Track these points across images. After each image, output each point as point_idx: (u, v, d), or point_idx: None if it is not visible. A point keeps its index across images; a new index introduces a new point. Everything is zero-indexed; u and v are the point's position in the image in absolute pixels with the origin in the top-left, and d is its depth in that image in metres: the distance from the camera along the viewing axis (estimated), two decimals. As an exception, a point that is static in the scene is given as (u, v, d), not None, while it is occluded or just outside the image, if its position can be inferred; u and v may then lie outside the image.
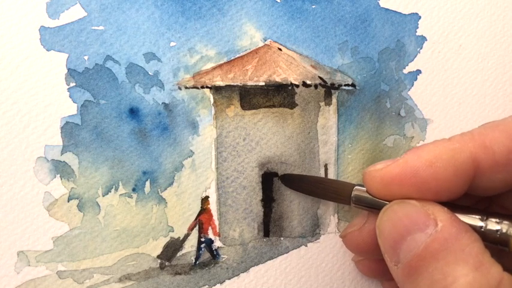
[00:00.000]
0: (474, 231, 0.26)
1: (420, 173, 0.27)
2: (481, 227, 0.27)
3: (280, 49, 0.35)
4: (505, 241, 0.27)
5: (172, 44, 0.33)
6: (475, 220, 0.27)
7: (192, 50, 0.33)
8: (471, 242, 0.25)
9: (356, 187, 0.31)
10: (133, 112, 0.33)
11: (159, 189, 0.33)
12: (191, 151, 0.34)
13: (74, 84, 0.31)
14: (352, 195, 0.31)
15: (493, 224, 0.27)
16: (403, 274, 0.26)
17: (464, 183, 0.28)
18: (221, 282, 0.35)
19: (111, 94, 0.32)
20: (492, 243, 0.27)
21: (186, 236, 0.34)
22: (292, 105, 0.35)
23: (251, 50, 0.35)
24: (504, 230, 0.27)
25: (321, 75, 0.35)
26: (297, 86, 0.35)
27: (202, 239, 0.34)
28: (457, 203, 0.28)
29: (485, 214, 0.28)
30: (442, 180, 0.27)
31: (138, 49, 0.32)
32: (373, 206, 0.30)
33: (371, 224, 0.31)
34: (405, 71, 0.38)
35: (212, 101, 0.34)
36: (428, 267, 0.25)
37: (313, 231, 0.36)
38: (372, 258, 0.35)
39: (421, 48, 0.38)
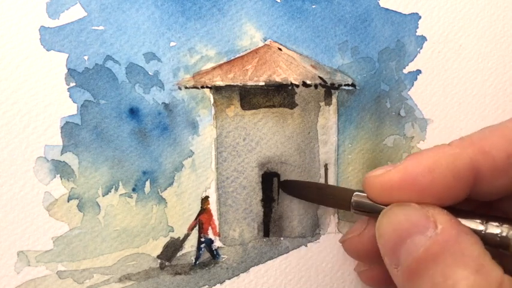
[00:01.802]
0: (474, 234, 0.26)
1: (420, 179, 0.27)
2: (482, 230, 0.27)
3: (280, 49, 0.35)
4: (506, 244, 0.27)
5: (172, 44, 0.33)
6: (475, 224, 0.27)
7: (192, 50, 0.33)
8: (471, 244, 0.25)
9: (356, 193, 0.31)
10: (134, 112, 0.33)
11: (159, 189, 0.33)
12: (191, 151, 0.34)
13: (74, 84, 0.31)
14: (352, 200, 0.31)
15: (493, 228, 0.27)
16: (403, 277, 0.26)
17: (464, 188, 0.28)
18: (221, 282, 0.35)
19: (111, 94, 0.32)
20: (493, 246, 0.27)
21: (186, 236, 0.34)
22: (292, 105, 0.35)
23: (251, 50, 0.35)
24: (504, 234, 0.27)
25: (321, 75, 0.35)
26: (297, 86, 0.35)
27: (202, 239, 0.34)
28: (457, 207, 0.28)
29: (486, 218, 0.28)
30: (442, 186, 0.27)
31: (138, 49, 0.32)
32: (373, 212, 0.30)
33: (371, 230, 0.31)
34: (405, 71, 0.38)
35: (212, 101, 0.34)
36: (429, 270, 0.25)
37: (313, 231, 0.36)
38: (373, 268, 0.34)
39: (421, 48, 0.38)
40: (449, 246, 0.25)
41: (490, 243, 0.27)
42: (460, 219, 0.27)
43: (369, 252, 0.31)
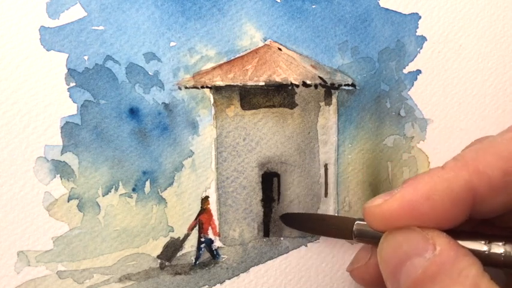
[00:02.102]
0: (473, 255, 0.26)
1: (418, 207, 0.27)
2: (485, 251, 0.27)
3: (280, 49, 0.35)
4: (511, 263, 0.27)
5: (172, 44, 0.33)
6: (479, 245, 0.27)
7: (192, 50, 0.33)
8: (468, 265, 0.25)
9: (357, 222, 0.31)
10: (134, 112, 0.33)
11: (159, 189, 0.33)
12: (191, 151, 0.34)
13: (74, 84, 0.31)
14: (353, 229, 0.31)
15: (497, 247, 0.27)
16: None
17: (463, 211, 0.28)
18: (221, 282, 0.35)
19: (111, 94, 0.32)
20: (498, 266, 0.27)
21: (186, 236, 0.34)
22: (292, 105, 0.35)
23: (251, 50, 0.35)
24: (508, 253, 0.27)
25: (321, 75, 0.35)
26: (297, 86, 0.35)
27: (202, 239, 0.34)
28: (458, 229, 0.28)
29: (489, 238, 0.27)
30: (441, 211, 0.27)
31: (138, 49, 0.32)
32: (375, 239, 0.30)
33: (376, 258, 0.31)
34: (405, 71, 0.38)
35: (212, 101, 0.34)
36: None
37: (313, 231, 0.36)
38: None
39: (421, 48, 0.38)
40: (446, 267, 0.25)
41: (495, 263, 0.27)
42: (462, 241, 0.27)
43: (377, 280, 0.31)
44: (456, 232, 0.28)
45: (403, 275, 0.26)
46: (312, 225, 0.35)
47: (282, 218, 0.35)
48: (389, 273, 0.27)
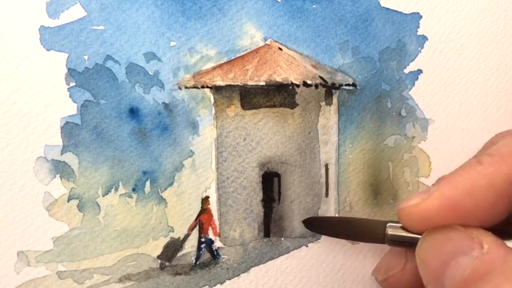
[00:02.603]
0: None
1: (460, 204, 0.26)
2: None
3: (280, 49, 0.35)
4: None
5: (172, 43, 0.33)
6: None
7: (192, 49, 0.33)
8: None
9: (389, 224, 0.30)
10: (133, 112, 0.32)
11: (159, 189, 0.33)
12: (191, 151, 0.34)
13: (74, 84, 0.31)
14: (386, 233, 0.30)
15: None
16: None
17: (505, 207, 0.27)
18: (221, 283, 0.34)
19: (111, 94, 0.32)
20: None
21: (186, 236, 0.34)
22: (292, 105, 0.35)
23: (251, 49, 0.34)
24: None
25: (321, 75, 0.35)
26: (298, 85, 0.35)
27: (203, 239, 0.34)
28: (499, 229, 0.27)
29: None
30: (484, 208, 0.26)
31: (138, 49, 0.32)
32: (411, 242, 0.29)
33: (413, 263, 0.30)
34: (406, 70, 0.38)
35: (212, 100, 0.34)
36: None
37: (314, 231, 0.36)
38: None
39: (422, 47, 0.38)
40: (498, 264, 0.24)
41: None
42: (506, 240, 0.26)
43: (415, 287, 0.30)
44: (496, 231, 0.27)
45: (448, 277, 0.25)
46: (339, 230, 0.33)
47: (305, 222, 0.34)
48: (432, 276, 0.26)
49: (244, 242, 0.35)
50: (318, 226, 0.35)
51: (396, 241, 0.30)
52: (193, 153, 0.34)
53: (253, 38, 0.34)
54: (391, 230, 0.30)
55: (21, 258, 0.31)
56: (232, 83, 0.34)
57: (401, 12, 0.37)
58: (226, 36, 0.34)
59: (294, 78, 0.35)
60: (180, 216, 0.34)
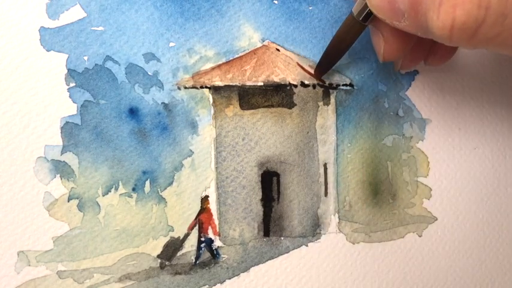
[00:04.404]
0: None
1: None
2: None
3: (278, 50, 0.35)
4: None
5: (171, 44, 0.33)
6: None
7: (191, 50, 0.34)
8: None
9: (353, 9, 0.31)
10: (133, 112, 0.33)
11: (158, 189, 0.33)
12: (191, 151, 0.34)
13: (73, 84, 0.32)
14: (354, 14, 0.31)
15: None
16: (412, 17, 0.27)
17: None
18: (221, 282, 0.34)
19: (110, 94, 0.32)
20: None
21: (186, 235, 0.34)
22: (290, 105, 0.35)
23: (249, 50, 0.35)
24: None
25: (319, 75, 0.36)
26: (295, 86, 0.35)
27: (202, 239, 0.34)
28: None
29: None
30: None
31: (137, 49, 0.33)
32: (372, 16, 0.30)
33: (388, 29, 0.32)
34: (402, 71, 0.38)
35: (211, 101, 0.34)
36: None
37: (314, 231, 0.36)
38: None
39: (418, 48, 0.38)
40: None
41: None
42: None
43: (401, 45, 0.32)
44: None
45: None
46: (335, 53, 0.34)
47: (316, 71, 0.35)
48: (388, 10, 0.28)
49: (244, 241, 0.35)
50: (324, 69, 0.35)
51: (362, 13, 0.31)
52: (193, 152, 0.34)
53: (251, 39, 0.35)
54: (355, 9, 0.31)
55: (22, 258, 0.31)
56: (231, 84, 0.34)
57: (396, 13, 0.37)
58: (225, 37, 0.34)
59: (292, 78, 0.35)
60: (179, 216, 0.34)
